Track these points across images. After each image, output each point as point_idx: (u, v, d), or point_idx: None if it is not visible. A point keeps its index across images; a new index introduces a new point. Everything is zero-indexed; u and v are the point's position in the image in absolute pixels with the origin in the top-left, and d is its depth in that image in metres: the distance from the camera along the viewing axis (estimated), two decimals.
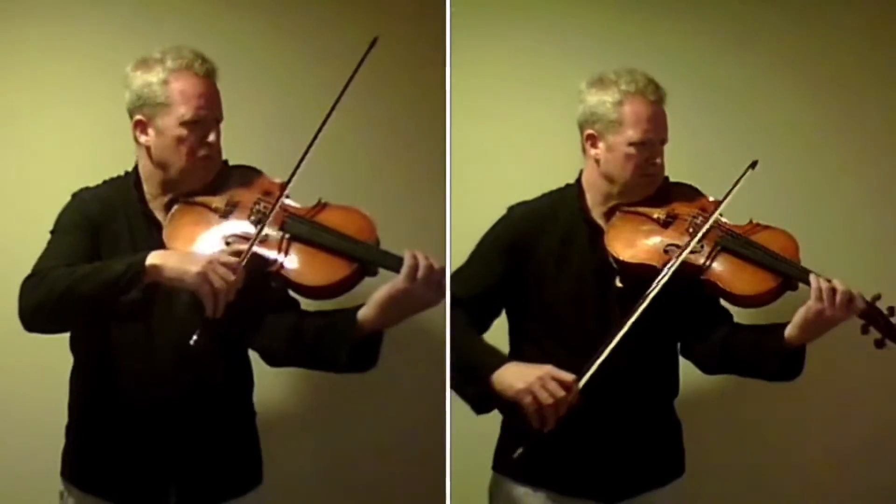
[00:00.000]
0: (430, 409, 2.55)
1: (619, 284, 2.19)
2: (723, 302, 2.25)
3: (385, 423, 2.72)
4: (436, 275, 2.00)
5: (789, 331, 2.11)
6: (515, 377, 2.08)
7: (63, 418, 2.19)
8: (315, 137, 2.08)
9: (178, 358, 2.06)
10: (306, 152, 2.07)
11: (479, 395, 2.13)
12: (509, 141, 2.76)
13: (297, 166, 2.07)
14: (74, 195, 2.16)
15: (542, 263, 2.22)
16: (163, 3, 2.61)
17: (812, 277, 2.10)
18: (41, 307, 1.99)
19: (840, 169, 2.73)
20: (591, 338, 2.14)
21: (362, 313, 2.02)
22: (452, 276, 2.23)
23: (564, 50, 2.75)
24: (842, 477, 2.72)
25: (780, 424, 2.72)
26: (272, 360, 2.19)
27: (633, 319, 2.09)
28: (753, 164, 2.21)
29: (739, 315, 2.28)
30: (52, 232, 2.13)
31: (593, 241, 2.21)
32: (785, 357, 2.14)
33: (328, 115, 2.09)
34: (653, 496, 2.25)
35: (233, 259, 1.98)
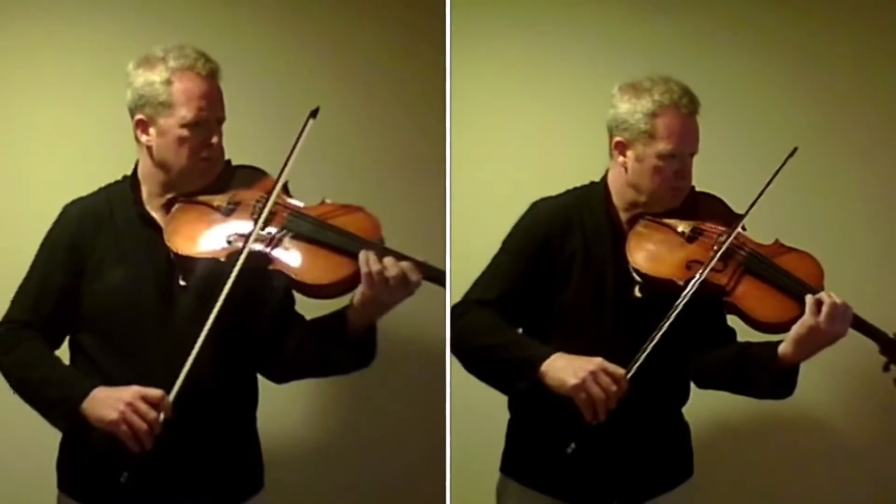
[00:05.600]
0: (430, 410, 2.55)
1: (637, 294, 2.15)
2: (730, 322, 2.23)
3: (385, 424, 2.72)
4: (397, 278, 1.97)
5: (783, 347, 2.07)
6: (567, 372, 2.03)
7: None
8: (299, 136, 2.08)
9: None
10: (294, 147, 2.07)
11: (531, 389, 2.09)
12: (509, 140, 2.76)
13: (287, 161, 2.07)
14: (63, 211, 2.14)
15: (567, 263, 2.19)
16: (163, 1, 2.62)
17: (808, 296, 2.05)
18: (6, 374, 2.09)
19: (876, 189, 2.72)
20: (608, 346, 2.12)
21: (351, 312, 2.03)
22: (478, 278, 2.22)
23: (565, 49, 2.76)
24: (850, 477, 2.73)
25: (787, 428, 2.73)
26: (280, 378, 2.21)
27: (659, 334, 2.06)
28: (793, 152, 2.16)
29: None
30: (36, 254, 2.13)
31: (616, 247, 2.17)
32: (778, 375, 2.10)
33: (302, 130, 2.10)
34: (662, 500, 2.24)
35: (157, 393, 1.97)
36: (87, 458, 2.10)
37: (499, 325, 2.15)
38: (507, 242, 2.25)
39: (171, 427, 2.04)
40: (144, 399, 1.95)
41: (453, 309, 2.18)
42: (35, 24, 2.59)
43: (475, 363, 2.18)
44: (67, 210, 2.15)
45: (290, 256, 2.04)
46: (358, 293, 2.01)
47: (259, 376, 2.22)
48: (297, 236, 2.06)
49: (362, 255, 1.99)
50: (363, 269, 1.97)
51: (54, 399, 2.02)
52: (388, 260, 1.98)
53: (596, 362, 2.04)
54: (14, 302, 2.13)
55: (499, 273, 2.22)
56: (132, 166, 2.16)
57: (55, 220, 2.14)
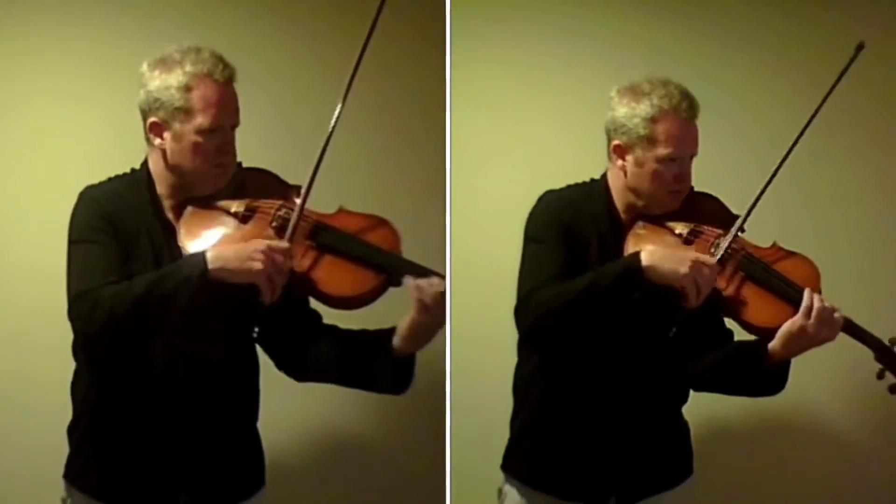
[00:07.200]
0: (430, 409, 2.56)
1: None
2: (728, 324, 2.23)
3: (386, 423, 2.72)
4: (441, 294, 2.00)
5: (773, 344, 2.09)
6: (674, 262, 2.03)
7: (65, 422, 2.17)
8: (329, 137, 2.05)
9: (189, 363, 2.06)
10: (321, 156, 2.05)
11: (643, 292, 2.06)
12: (509, 142, 2.77)
13: (315, 171, 2.04)
14: (82, 194, 2.07)
15: (584, 249, 2.17)
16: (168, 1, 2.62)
17: (806, 293, 2.08)
18: (106, 327, 1.93)
19: (875, 193, 2.73)
20: (614, 338, 2.14)
21: (395, 342, 2.04)
22: (523, 274, 2.17)
23: (565, 50, 2.76)
24: (849, 478, 2.75)
25: (787, 428, 2.75)
26: (301, 378, 2.21)
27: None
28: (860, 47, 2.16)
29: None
30: (72, 241, 2.04)
31: (618, 245, 2.16)
32: (768, 371, 2.12)
33: (342, 106, 2.06)
34: (662, 499, 2.25)
35: (284, 244, 1.97)
36: (95, 450, 2.10)
37: (572, 280, 2.10)
38: (534, 232, 2.20)
39: (173, 426, 2.07)
40: (274, 249, 1.95)
41: (518, 308, 2.13)
42: (37, 23, 2.58)
43: (575, 314, 2.09)
44: (89, 192, 2.08)
45: (316, 267, 2.03)
46: (407, 321, 2.02)
47: (260, 377, 2.23)
48: (322, 247, 2.05)
49: (413, 283, 1.98)
50: (415, 296, 1.98)
51: (180, 281, 1.92)
52: (434, 280, 1.99)
53: (691, 253, 2.07)
54: (76, 278, 1.99)
55: (543, 260, 2.16)
56: (133, 165, 2.14)
57: (79, 202, 2.06)
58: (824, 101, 2.13)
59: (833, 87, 2.14)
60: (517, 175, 2.70)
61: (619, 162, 2.18)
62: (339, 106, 2.06)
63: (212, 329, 2.05)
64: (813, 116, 2.14)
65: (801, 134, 2.14)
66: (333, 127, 2.05)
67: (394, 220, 2.15)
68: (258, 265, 1.93)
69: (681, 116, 2.13)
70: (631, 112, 2.14)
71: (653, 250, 2.07)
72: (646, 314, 2.14)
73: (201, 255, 1.94)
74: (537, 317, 2.10)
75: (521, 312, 2.13)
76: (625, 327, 2.15)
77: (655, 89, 2.14)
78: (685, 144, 2.14)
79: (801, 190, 2.62)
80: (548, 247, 2.17)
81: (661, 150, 2.12)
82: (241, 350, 2.17)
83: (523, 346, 2.28)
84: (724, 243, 2.12)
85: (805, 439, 2.75)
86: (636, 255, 2.06)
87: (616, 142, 2.18)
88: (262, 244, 1.95)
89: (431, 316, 1.99)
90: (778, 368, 2.12)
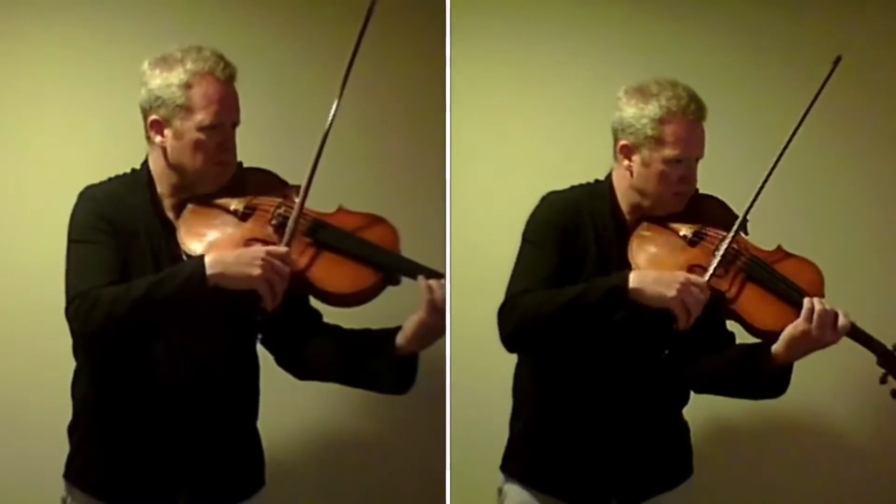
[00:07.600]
0: (430, 409, 2.56)
1: None
2: (729, 326, 2.22)
3: (385, 423, 2.72)
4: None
5: (776, 347, 2.09)
6: (662, 285, 2.04)
7: (65, 422, 2.17)
8: (326, 134, 2.05)
9: (190, 362, 2.06)
10: (319, 154, 2.05)
11: (629, 312, 2.06)
12: (509, 141, 2.76)
13: (314, 168, 2.05)
14: (82, 194, 2.08)
15: (581, 256, 2.17)
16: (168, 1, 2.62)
17: (807, 297, 2.08)
18: (104, 327, 1.95)
19: (880, 196, 2.73)
20: (615, 339, 2.14)
21: (399, 342, 2.05)
22: (515, 274, 2.18)
23: (565, 50, 2.75)
24: (849, 478, 2.75)
25: (787, 428, 2.75)
26: (304, 374, 2.22)
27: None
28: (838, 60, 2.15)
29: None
30: (72, 240, 2.05)
31: (621, 247, 2.17)
32: (771, 374, 2.12)
33: (337, 106, 2.07)
34: (662, 499, 2.25)
35: (282, 249, 1.97)
36: (95, 450, 2.11)
37: (560, 289, 2.11)
38: (531, 234, 2.21)
39: (173, 425, 2.07)
40: (273, 255, 1.95)
41: (502, 308, 2.14)
42: (37, 23, 2.58)
43: (557, 325, 2.10)
44: (89, 191, 2.09)
45: (314, 264, 2.04)
46: (414, 321, 2.02)
47: (260, 376, 2.23)
48: (320, 245, 2.06)
49: (423, 282, 1.99)
50: (426, 297, 1.98)
51: (179, 286, 1.93)
52: (443, 281, 2.00)
53: (681, 274, 2.07)
54: (76, 278, 2.00)
55: (536, 263, 2.18)
56: (133, 165, 2.14)
57: (79, 202, 2.07)
58: (806, 112, 2.14)
59: (813, 100, 2.14)
60: (517, 175, 2.70)
61: (626, 162, 2.19)
62: (336, 101, 2.06)
63: (212, 330, 2.06)
64: (798, 126, 2.15)
65: (791, 139, 2.15)
66: (331, 123, 2.05)
67: (394, 220, 2.15)
68: (257, 271, 1.94)
69: (688, 118, 2.14)
70: (639, 112, 2.15)
71: (643, 272, 2.08)
72: (636, 335, 2.15)
73: (200, 260, 1.95)
74: (520, 321, 2.11)
75: (504, 314, 2.14)
76: (615, 345, 2.16)
77: (664, 90, 2.15)
78: (692, 146, 2.15)
79: (803, 193, 2.62)
80: (542, 250, 2.18)
81: (668, 152, 2.13)
82: (241, 350, 2.18)
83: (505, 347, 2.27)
84: (725, 243, 2.13)
85: (806, 441, 2.75)
86: (625, 275, 2.07)
87: (623, 142, 2.18)
88: (261, 250, 1.95)
89: (440, 317, 2.00)
90: (780, 371, 2.13)
